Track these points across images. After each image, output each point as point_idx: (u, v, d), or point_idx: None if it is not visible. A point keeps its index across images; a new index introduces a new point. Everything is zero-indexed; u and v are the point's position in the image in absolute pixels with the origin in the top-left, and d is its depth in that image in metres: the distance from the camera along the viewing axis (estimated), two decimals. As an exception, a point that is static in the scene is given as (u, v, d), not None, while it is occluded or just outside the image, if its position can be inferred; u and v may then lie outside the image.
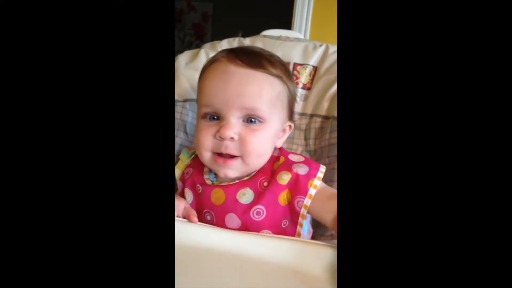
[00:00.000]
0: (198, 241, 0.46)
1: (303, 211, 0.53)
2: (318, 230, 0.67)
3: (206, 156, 0.55)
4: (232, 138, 0.52)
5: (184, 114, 0.73)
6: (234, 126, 0.52)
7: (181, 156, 0.66)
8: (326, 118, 0.75)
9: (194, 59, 0.79)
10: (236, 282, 0.39)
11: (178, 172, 0.64)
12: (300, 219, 0.54)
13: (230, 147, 0.53)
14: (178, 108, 0.73)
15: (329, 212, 0.50)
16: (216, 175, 0.59)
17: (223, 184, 0.56)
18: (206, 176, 0.59)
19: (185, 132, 0.73)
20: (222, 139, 0.52)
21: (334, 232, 0.61)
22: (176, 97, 0.74)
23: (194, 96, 0.76)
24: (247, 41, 0.84)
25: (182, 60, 0.79)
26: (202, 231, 0.48)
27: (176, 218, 0.51)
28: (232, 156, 0.54)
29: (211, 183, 0.58)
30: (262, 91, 0.53)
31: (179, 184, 0.62)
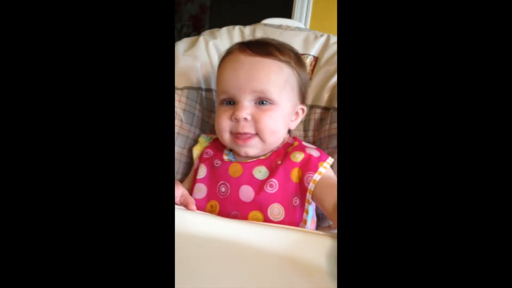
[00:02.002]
0: (197, 230, 0.45)
1: (311, 186, 0.56)
2: (318, 222, 0.66)
3: (226, 137, 0.61)
4: (245, 118, 0.58)
5: (182, 102, 0.72)
6: (246, 108, 0.58)
7: (200, 139, 0.71)
8: (326, 109, 0.74)
9: (192, 46, 0.78)
10: (235, 272, 0.39)
11: (196, 152, 0.69)
12: (307, 194, 0.57)
13: (246, 127, 0.59)
14: (175, 96, 0.72)
15: (330, 198, 0.52)
16: (234, 155, 0.65)
17: (241, 161, 0.62)
18: (225, 157, 0.65)
19: (180, 120, 0.72)
20: (237, 120, 0.58)
21: (332, 222, 0.63)
22: (174, 85, 0.73)
23: (192, 84, 0.74)
24: (247, 30, 0.83)
25: (180, 47, 0.77)
26: (201, 220, 0.47)
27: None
28: (250, 136, 0.59)
29: (229, 161, 0.63)
30: (270, 75, 0.58)
31: (196, 162, 0.67)
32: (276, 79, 0.59)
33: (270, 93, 0.58)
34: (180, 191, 0.54)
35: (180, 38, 0.80)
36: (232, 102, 0.60)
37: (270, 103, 0.59)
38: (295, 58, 0.63)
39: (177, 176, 0.71)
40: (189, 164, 0.73)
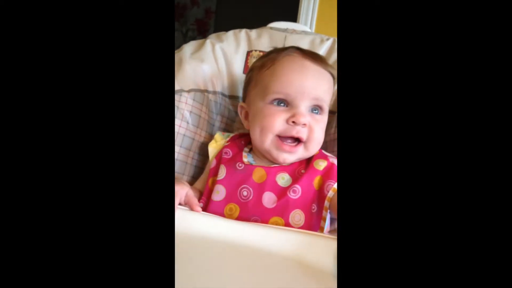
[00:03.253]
0: (201, 231, 0.45)
1: (330, 193, 0.57)
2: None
3: (269, 138, 0.60)
4: (305, 124, 0.58)
5: (188, 104, 0.72)
6: (306, 114, 0.59)
7: (216, 136, 0.70)
8: (331, 113, 0.74)
9: (199, 49, 0.78)
10: (239, 273, 0.39)
11: (214, 150, 0.68)
12: (326, 202, 0.57)
13: (302, 132, 0.59)
14: (182, 98, 0.72)
15: None
16: (254, 158, 0.65)
17: (264, 166, 0.62)
18: (245, 160, 0.64)
19: (187, 122, 0.72)
20: (295, 124, 0.58)
21: None
22: (181, 87, 0.73)
23: (199, 87, 0.75)
24: (254, 33, 0.83)
25: (187, 50, 0.78)
26: (206, 221, 0.47)
27: (178, 207, 0.50)
28: (297, 144, 0.60)
29: (250, 164, 0.63)
30: (330, 87, 0.63)
31: (213, 161, 0.66)
32: (330, 91, 0.63)
33: (325, 103, 0.61)
34: (185, 191, 0.53)
35: (185, 42, 0.80)
36: (283, 104, 0.60)
37: (320, 112, 0.61)
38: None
39: (184, 177, 0.71)
40: (196, 166, 0.73)
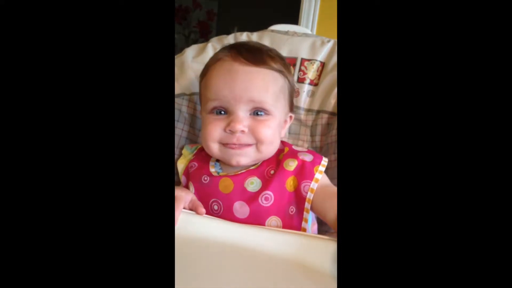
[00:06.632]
0: (205, 233, 0.46)
1: (309, 195, 0.54)
2: (323, 227, 0.66)
3: (214, 147, 0.57)
4: (242, 131, 0.55)
5: (191, 108, 0.73)
6: (243, 120, 0.55)
7: (183, 151, 0.68)
8: (332, 114, 0.75)
9: (201, 53, 0.79)
10: (240, 275, 0.39)
11: (181, 166, 0.65)
12: (306, 204, 0.55)
13: (242, 138, 0.55)
14: (184, 102, 0.73)
15: (331, 209, 0.50)
16: (222, 167, 0.61)
17: (230, 174, 0.58)
18: (212, 170, 0.61)
19: (191, 126, 0.73)
20: (232, 132, 0.55)
21: (334, 231, 0.61)
22: (183, 91, 0.74)
23: (201, 90, 0.75)
24: (255, 36, 0.84)
25: (189, 54, 0.78)
26: (209, 223, 0.48)
27: (184, 211, 0.51)
28: (247, 145, 0.56)
29: (217, 174, 0.59)
30: (268, 86, 0.56)
31: (183, 178, 0.63)
32: (272, 90, 0.57)
33: (266, 104, 0.55)
34: (189, 196, 0.54)
35: (188, 44, 0.81)
36: (223, 112, 0.57)
37: (266, 113, 0.56)
38: (284, 65, 0.61)
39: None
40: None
